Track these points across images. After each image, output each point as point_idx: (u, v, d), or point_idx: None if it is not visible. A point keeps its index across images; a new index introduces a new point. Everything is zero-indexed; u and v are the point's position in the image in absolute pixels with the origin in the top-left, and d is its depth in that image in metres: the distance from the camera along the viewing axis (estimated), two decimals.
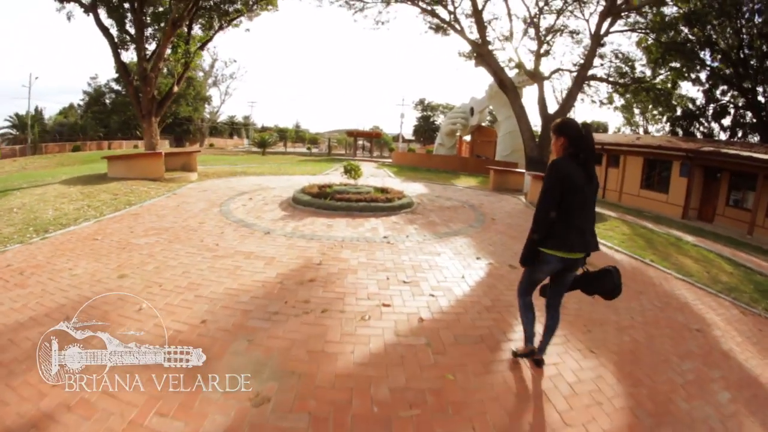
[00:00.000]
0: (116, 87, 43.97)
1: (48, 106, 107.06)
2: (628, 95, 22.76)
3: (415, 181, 16.36)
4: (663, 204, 17.85)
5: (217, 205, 8.52)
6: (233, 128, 69.57)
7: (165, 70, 15.78)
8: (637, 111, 34.42)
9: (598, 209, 12.77)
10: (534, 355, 3.19)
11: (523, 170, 14.42)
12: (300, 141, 63.06)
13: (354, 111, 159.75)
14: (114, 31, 14.28)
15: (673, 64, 18.88)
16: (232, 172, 15.35)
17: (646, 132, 36.63)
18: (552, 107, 14.44)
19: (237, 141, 64.47)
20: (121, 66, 14.09)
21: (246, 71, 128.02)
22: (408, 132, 64.97)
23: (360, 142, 45.67)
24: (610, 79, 18.79)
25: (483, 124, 35.71)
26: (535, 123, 18.23)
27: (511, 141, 28.05)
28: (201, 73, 52.10)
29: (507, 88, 13.55)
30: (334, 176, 16.86)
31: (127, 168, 12.24)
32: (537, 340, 3.25)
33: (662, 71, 19.55)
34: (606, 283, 2.94)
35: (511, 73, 25.80)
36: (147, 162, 12.44)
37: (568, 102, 13.86)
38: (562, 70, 20.25)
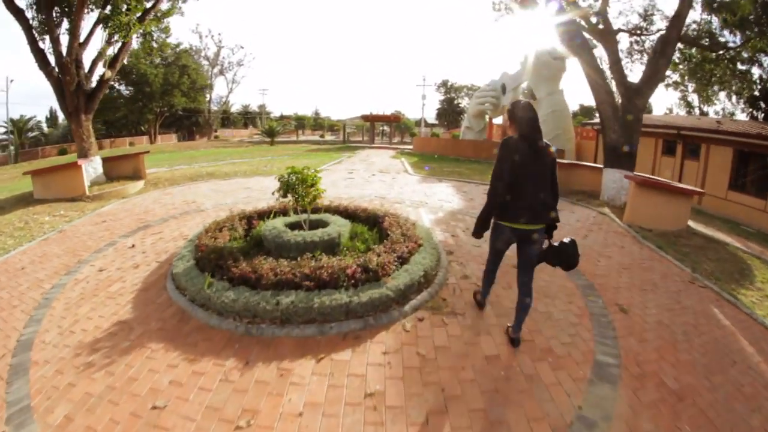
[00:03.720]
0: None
1: None
2: (708, 68, 17.92)
3: (440, 178, 12.09)
4: (759, 213, 12.99)
5: (67, 268, 5.12)
6: (247, 118, 66.59)
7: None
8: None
9: (698, 226, 8.63)
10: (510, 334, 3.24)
11: (597, 165, 10.25)
12: (320, 128, 61.09)
13: (375, 96, 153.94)
14: (30, 14, 10.86)
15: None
16: (194, 175, 11.90)
17: (702, 114, 31.14)
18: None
19: (252, 131, 61.68)
20: (38, 54, 10.62)
21: (254, 57, 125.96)
22: (431, 116, 60.81)
23: (382, 128, 41.71)
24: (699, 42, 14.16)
25: None
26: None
27: (555, 122, 23.40)
28: (206, 62, 49.03)
29: (576, 43, 9.26)
30: (337, 172, 13.09)
31: (44, 186, 9.40)
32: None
33: (751, 35, 14.76)
34: (562, 255, 3.02)
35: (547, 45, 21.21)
36: (63, 177, 9.39)
37: (657, 66, 9.44)
38: (623, 30, 15.79)
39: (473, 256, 5.04)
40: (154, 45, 20.23)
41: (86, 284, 4.58)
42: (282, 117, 64.30)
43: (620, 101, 9.37)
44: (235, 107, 65.41)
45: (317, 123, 66.25)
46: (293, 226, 4.72)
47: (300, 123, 59.29)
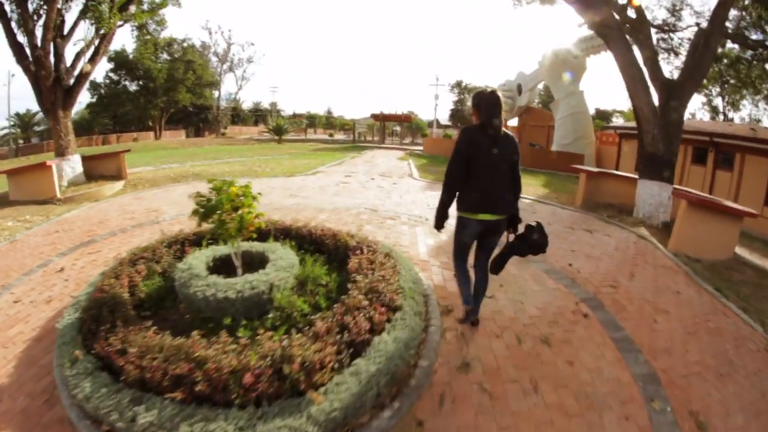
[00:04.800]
0: (112, 76, 39.93)
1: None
2: (742, 69, 16.39)
3: None
4: None
5: None
6: (257, 115, 66.03)
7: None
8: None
9: (741, 250, 7.03)
10: (470, 317, 3.14)
11: (628, 174, 8.98)
12: (331, 127, 60.99)
13: (389, 96, 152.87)
14: (9, 6, 10.14)
15: None
16: (179, 175, 11.06)
17: (726, 119, 29.37)
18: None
19: (263, 128, 61.50)
20: (15, 47, 9.89)
21: (264, 54, 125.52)
22: (444, 117, 59.69)
23: (394, 128, 40.74)
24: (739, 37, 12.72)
25: (532, 104, 29.83)
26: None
27: (574, 125, 22.09)
28: (215, 58, 48.46)
29: (609, 28, 7.99)
30: (332, 174, 11.94)
31: (17, 187, 8.74)
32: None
33: None
34: (531, 238, 2.91)
35: (572, 38, 19.96)
36: (33, 178, 8.70)
37: (699, 61, 8.16)
38: (651, 26, 14.46)
39: (485, 318, 3.33)
40: (157, 37, 19.49)
41: None
42: (294, 115, 63.97)
43: (659, 98, 8.15)
44: (246, 104, 65.09)
45: (329, 122, 65.73)
46: (223, 264, 3.47)
47: (312, 121, 58.74)
